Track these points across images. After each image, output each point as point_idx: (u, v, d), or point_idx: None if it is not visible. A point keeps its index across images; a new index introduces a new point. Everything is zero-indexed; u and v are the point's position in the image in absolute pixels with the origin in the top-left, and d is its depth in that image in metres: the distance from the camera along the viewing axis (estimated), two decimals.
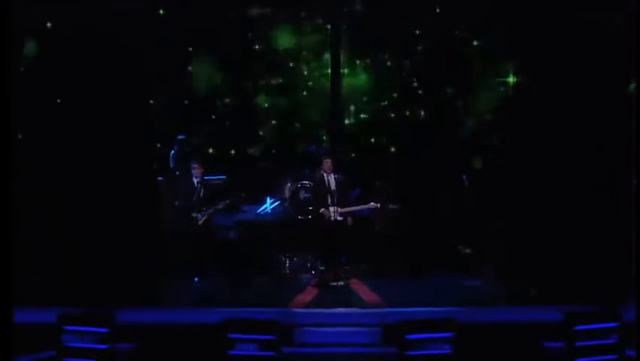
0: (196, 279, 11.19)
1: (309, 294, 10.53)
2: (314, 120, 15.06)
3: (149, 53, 10.70)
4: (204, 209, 11.33)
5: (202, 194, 11.42)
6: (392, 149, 14.81)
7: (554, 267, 10.06)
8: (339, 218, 11.07)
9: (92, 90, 10.16)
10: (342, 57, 14.54)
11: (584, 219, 9.95)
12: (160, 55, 11.91)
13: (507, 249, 11.03)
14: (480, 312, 9.12)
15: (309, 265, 11.63)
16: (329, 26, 14.47)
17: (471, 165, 13.26)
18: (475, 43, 14.00)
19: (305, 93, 15.13)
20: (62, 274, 9.73)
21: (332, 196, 11.10)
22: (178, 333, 8.80)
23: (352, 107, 15.00)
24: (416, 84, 14.77)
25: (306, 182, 13.67)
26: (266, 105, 15.11)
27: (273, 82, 15.06)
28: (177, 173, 13.66)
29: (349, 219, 11.14)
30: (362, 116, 15.13)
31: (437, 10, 13.61)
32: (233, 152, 15.08)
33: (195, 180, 11.46)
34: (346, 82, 14.67)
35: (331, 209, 11.08)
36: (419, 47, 14.53)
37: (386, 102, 15.04)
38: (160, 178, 12.83)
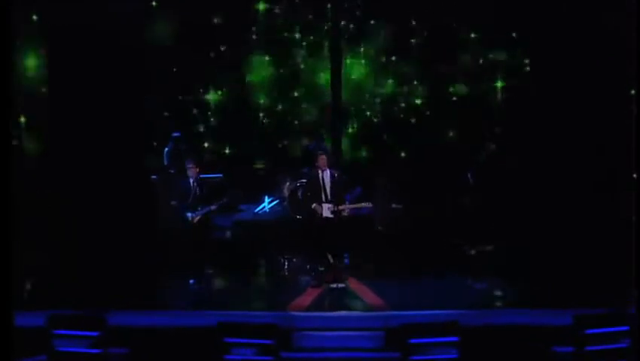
0: (191, 281, 11.17)
1: (308, 296, 10.50)
2: (314, 117, 15.03)
3: (144, 49, 10.70)
4: (199, 208, 11.30)
5: (197, 193, 11.37)
6: (395, 147, 14.80)
7: (562, 268, 10.06)
8: (329, 216, 11.09)
9: (89, 89, 10.18)
10: (343, 52, 14.54)
11: (591, 219, 9.94)
12: (156, 51, 11.95)
13: (513, 250, 11.04)
14: (486, 315, 9.12)
15: (308, 266, 11.60)
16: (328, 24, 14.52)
17: (476, 163, 13.27)
18: (473, 35, 14.14)
19: (304, 89, 15.09)
20: (52, 275, 9.73)
21: (325, 193, 11.11)
22: (173, 337, 8.79)
23: (352, 106, 14.99)
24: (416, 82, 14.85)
25: (306, 182, 13.62)
26: (262, 102, 15.08)
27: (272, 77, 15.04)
28: (171, 171, 13.64)
29: (343, 216, 11.11)
30: (364, 113, 15.10)
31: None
32: (228, 150, 15.04)
33: (190, 180, 11.43)
34: (347, 77, 14.62)
35: (324, 206, 11.11)
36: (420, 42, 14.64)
37: (387, 98, 15.04)
38: (153, 177, 12.80)
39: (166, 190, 12.72)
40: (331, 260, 11.10)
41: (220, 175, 13.80)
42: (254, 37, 14.79)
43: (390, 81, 14.95)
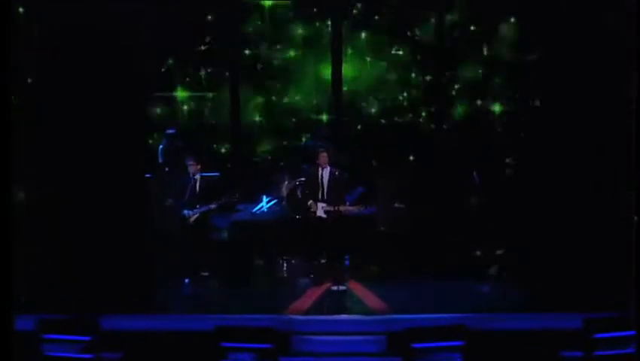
0: (186, 280, 11.12)
1: (308, 299, 10.49)
2: (313, 113, 15.03)
3: (138, 44, 10.75)
4: (197, 206, 11.31)
5: (197, 191, 11.36)
6: (398, 145, 14.82)
7: (571, 271, 10.06)
8: (323, 215, 11.05)
9: (80, 85, 10.20)
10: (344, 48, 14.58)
11: (600, 221, 9.97)
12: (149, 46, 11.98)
13: (519, 251, 11.05)
14: (492, 319, 9.10)
15: (307, 261, 11.64)
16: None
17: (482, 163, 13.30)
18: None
19: (304, 84, 15.09)
20: (42, 277, 9.71)
21: (323, 192, 11.16)
22: (168, 341, 8.80)
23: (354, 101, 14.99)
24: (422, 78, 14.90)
25: (304, 179, 13.61)
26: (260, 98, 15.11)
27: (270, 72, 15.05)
28: (166, 169, 13.63)
29: (340, 217, 11.12)
30: (366, 110, 15.11)
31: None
32: (226, 147, 15.05)
33: (191, 177, 11.44)
34: (348, 74, 14.64)
35: (319, 205, 11.10)
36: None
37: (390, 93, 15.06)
38: (148, 175, 12.79)
39: (161, 189, 12.72)
40: (325, 261, 11.15)
41: (217, 173, 13.78)
42: (250, 29, 14.81)
43: (393, 77, 14.96)
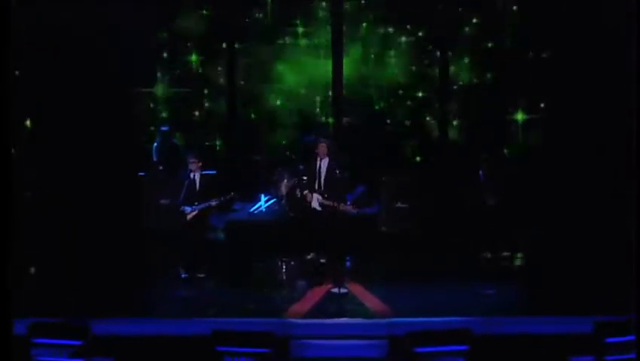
0: (182, 275, 11.20)
1: (307, 302, 10.47)
2: (314, 109, 15.04)
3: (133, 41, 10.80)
4: (196, 203, 11.33)
5: (197, 188, 11.41)
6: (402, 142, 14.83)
7: (580, 273, 10.06)
8: (317, 208, 11.16)
9: (70, 83, 10.23)
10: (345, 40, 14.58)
11: (610, 223, 9.98)
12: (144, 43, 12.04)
13: (529, 252, 11.04)
14: (498, 322, 9.09)
15: (307, 258, 11.66)
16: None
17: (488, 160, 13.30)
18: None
19: (304, 78, 15.10)
20: (31, 280, 9.70)
21: (319, 182, 11.28)
22: (162, 346, 8.78)
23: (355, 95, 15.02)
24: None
25: (305, 178, 13.60)
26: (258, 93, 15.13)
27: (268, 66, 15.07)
28: (160, 168, 13.64)
29: (336, 212, 11.16)
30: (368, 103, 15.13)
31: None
32: (222, 145, 15.03)
33: (190, 174, 11.49)
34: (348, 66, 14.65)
35: (315, 195, 11.25)
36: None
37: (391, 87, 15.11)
38: (141, 173, 12.79)
39: (156, 188, 12.73)
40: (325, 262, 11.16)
41: (214, 172, 13.78)
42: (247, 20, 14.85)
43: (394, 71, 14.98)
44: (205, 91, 15.10)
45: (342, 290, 10.90)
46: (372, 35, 15.03)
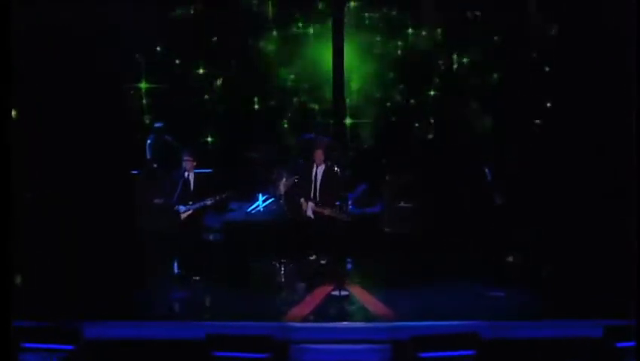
0: (176, 285, 11.22)
1: (307, 305, 10.45)
2: (313, 105, 15.08)
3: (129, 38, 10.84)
4: (190, 203, 11.32)
5: (192, 187, 11.45)
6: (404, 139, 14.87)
7: (590, 275, 10.05)
8: (310, 215, 11.37)
9: (62, 80, 10.25)
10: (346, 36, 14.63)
11: (618, 225, 9.98)
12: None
13: (536, 254, 11.04)
14: (506, 327, 9.08)
15: (307, 257, 11.68)
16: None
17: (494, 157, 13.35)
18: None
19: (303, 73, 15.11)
20: (19, 281, 9.67)
21: (315, 190, 11.50)
22: (155, 351, 8.72)
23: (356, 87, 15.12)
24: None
25: (297, 177, 13.62)
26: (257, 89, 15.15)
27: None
28: (154, 165, 13.63)
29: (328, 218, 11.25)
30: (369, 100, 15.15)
31: None
32: (220, 142, 15.04)
33: (184, 173, 11.50)
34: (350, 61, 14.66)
35: (309, 204, 11.50)
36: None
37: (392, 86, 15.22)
38: (134, 172, 12.79)
39: (149, 186, 12.72)
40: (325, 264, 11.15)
41: (210, 170, 13.78)
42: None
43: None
44: (202, 87, 15.10)
45: (343, 293, 10.93)
46: (375, 32, 15.07)
